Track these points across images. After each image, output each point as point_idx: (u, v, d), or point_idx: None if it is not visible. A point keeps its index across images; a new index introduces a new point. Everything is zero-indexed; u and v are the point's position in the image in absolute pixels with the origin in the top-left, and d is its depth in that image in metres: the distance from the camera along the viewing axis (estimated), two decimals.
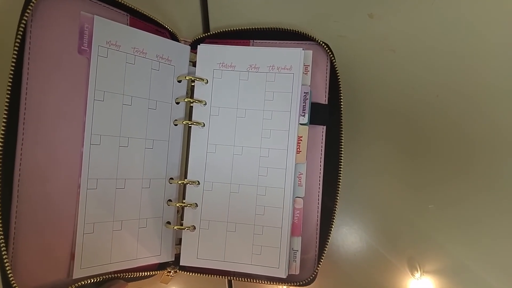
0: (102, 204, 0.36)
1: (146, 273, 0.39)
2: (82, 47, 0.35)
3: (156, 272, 0.40)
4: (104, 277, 0.36)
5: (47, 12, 0.33)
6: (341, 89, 0.41)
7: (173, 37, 0.42)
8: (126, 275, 0.38)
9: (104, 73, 0.36)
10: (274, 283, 0.40)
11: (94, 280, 0.35)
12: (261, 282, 0.40)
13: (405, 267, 0.45)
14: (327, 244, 0.40)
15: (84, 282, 0.35)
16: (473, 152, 0.46)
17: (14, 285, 0.30)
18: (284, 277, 0.39)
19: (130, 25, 0.39)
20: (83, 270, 0.35)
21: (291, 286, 0.40)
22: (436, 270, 0.45)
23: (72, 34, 0.35)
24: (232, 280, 0.44)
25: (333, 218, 0.40)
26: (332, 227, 0.40)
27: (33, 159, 0.33)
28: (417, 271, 0.45)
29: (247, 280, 0.40)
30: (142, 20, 0.40)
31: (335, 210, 0.40)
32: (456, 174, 0.46)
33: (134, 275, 0.39)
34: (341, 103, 0.41)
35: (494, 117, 0.46)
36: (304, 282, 0.39)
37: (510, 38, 0.46)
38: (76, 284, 0.34)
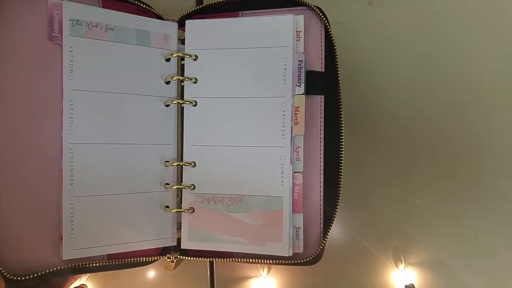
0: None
1: (145, 259, 0.38)
2: (53, 34, 0.35)
3: (157, 258, 0.39)
4: (95, 263, 0.36)
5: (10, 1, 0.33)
6: (337, 56, 0.39)
7: (158, 16, 0.41)
8: (123, 261, 0.37)
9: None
10: (278, 262, 0.38)
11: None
12: (264, 261, 0.38)
13: (389, 258, 0.45)
14: (332, 221, 0.38)
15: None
16: (462, 150, 0.46)
17: None
18: (288, 255, 0.38)
19: (104, 8, 0.37)
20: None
21: (295, 264, 0.38)
22: (420, 262, 0.45)
23: (40, 22, 0.34)
24: (214, 261, 0.43)
25: (339, 193, 0.38)
26: (338, 203, 0.38)
27: (6, 146, 0.33)
28: (401, 262, 0.44)
29: (250, 260, 0.38)
30: (117, 2, 0.38)
31: (340, 183, 0.38)
32: (444, 171, 0.46)
33: (132, 260, 0.38)
34: (338, 71, 0.39)
35: (489, 114, 0.46)
36: (308, 259, 0.38)
37: (509, 32, 0.46)
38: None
